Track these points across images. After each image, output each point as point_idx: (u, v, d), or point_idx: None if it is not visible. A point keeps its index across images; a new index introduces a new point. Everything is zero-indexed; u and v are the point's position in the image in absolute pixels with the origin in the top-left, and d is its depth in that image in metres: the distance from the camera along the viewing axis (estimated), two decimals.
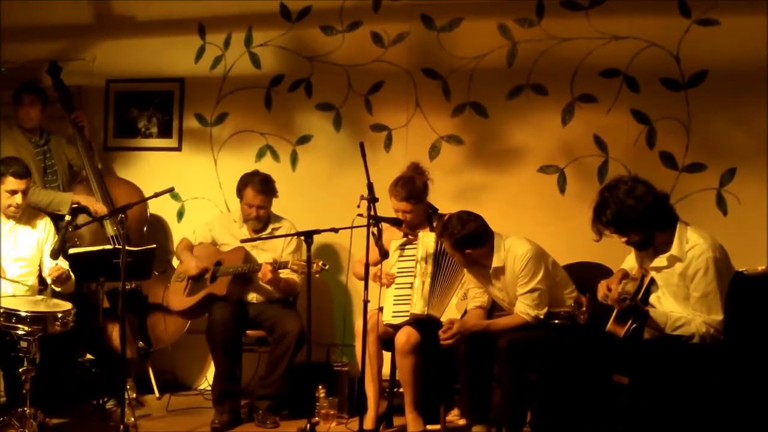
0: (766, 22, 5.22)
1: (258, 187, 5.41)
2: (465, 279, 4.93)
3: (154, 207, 6.06)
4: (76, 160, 5.93)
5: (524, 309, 4.62)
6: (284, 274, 5.30)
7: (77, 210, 5.50)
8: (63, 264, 5.07)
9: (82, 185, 5.84)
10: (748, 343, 3.79)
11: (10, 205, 5.09)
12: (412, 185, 5.04)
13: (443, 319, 4.85)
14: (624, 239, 4.13)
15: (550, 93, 5.64)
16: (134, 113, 6.43)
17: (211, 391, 5.46)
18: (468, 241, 4.62)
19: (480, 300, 4.88)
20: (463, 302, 4.89)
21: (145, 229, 5.97)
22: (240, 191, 5.48)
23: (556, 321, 4.65)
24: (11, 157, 5.28)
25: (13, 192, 5.06)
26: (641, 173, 4.32)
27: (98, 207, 5.60)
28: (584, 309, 4.37)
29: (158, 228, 6.24)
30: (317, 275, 5.08)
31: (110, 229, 5.66)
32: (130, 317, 5.51)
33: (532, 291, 4.61)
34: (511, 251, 4.68)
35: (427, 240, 5.00)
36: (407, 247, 5.11)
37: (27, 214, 5.24)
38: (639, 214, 4.01)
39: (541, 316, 4.61)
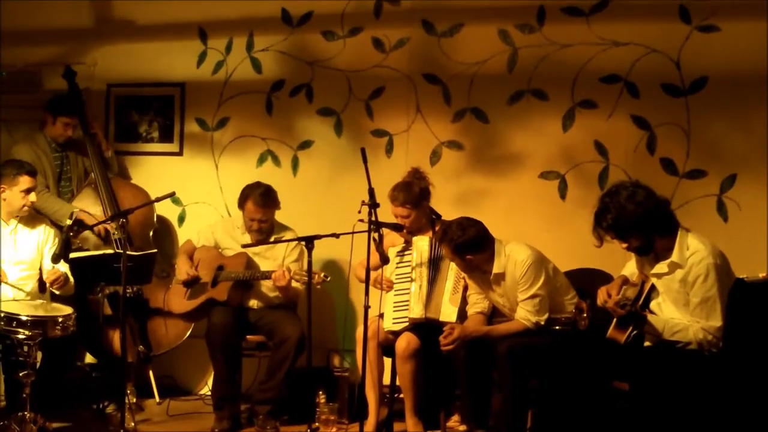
0: (766, 28, 5.21)
1: (259, 200, 5.34)
2: (449, 273, 4.94)
3: (158, 211, 6.08)
4: (91, 167, 5.95)
5: (525, 315, 4.63)
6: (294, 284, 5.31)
7: (78, 222, 5.51)
8: (61, 268, 5.07)
9: (90, 188, 5.87)
10: (748, 350, 3.80)
11: (24, 205, 5.10)
12: (409, 191, 5.05)
13: (442, 318, 4.86)
14: (625, 245, 4.13)
15: (551, 99, 5.64)
16: (135, 117, 6.44)
17: (211, 395, 5.45)
18: (468, 247, 4.62)
19: (480, 306, 4.89)
20: (456, 295, 4.89)
21: (151, 233, 5.98)
22: (241, 204, 5.44)
23: (557, 327, 4.65)
24: (14, 160, 5.31)
25: (29, 190, 5.08)
26: (642, 179, 4.31)
27: (99, 228, 5.62)
28: (585, 315, 4.37)
29: (165, 232, 6.25)
30: (318, 287, 5.05)
31: (115, 232, 5.67)
32: (131, 321, 5.52)
33: (533, 297, 4.62)
34: (512, 257, 4.68)
35: (421, 244, 5.02)
36: (405, 253, 5.11)
37: (27, 217, 5.25)
38: (639, 220, 4.01)
39: (542, 322, 4.62)
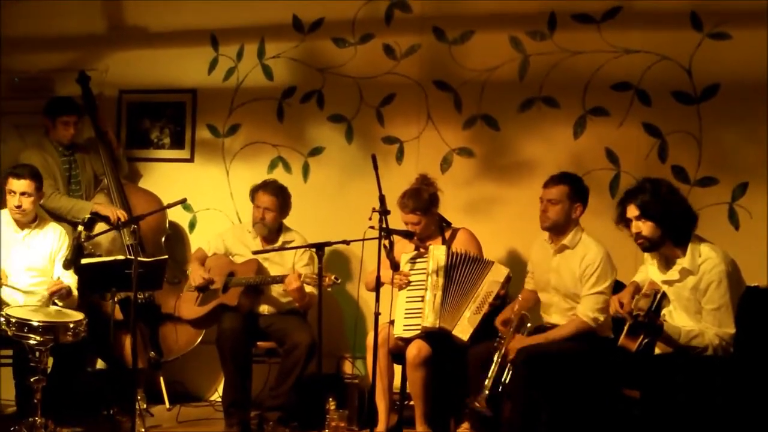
0: None
1: (269, 190, 5.44)
2: (479, 292, 4.91)
3: (169, 217, 6.08)
4: (101, 170, 5.97)
5: (586, 311, 4.56)
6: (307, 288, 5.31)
7: (93, 220, 5.53)
8: (67, 280, 5.07)
9: (103, 193, 5.89)
10: (759, 357, 3.80)
11: (12, 207, 5.08)
12: (419, 197, 5.06)
13: (455, 332, 4.85)
14: (638, 230, 4.09)
15: (562, 106, 5.64)
16: (147, 124, 6.45)
17: (221, 402, 5.46)
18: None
19: (534, 285, 4.96)
20: (477, 316, 4.87)
21: (163, 239, 6.00)
22: (252, 194, 5.51)
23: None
24: (23, 164, 5.32)
25: (12, 192, 5.06)
26: None
27: (120, 213, 5.64)
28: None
29: (177, 238, 6.26)
30: (329, 289, 5.07)
31: (127, 238, 5.69)
32: (142, 327, 5.52)
33: (599, 294, 4.56)
34: (585, 242, 4.67)
35: (438, 253, 4.99)
36: (418, 260, 5.10)
37: (40, 223, 5.26)
38: (671, 209, 4.05)
39: (601, 320, 4.57)
